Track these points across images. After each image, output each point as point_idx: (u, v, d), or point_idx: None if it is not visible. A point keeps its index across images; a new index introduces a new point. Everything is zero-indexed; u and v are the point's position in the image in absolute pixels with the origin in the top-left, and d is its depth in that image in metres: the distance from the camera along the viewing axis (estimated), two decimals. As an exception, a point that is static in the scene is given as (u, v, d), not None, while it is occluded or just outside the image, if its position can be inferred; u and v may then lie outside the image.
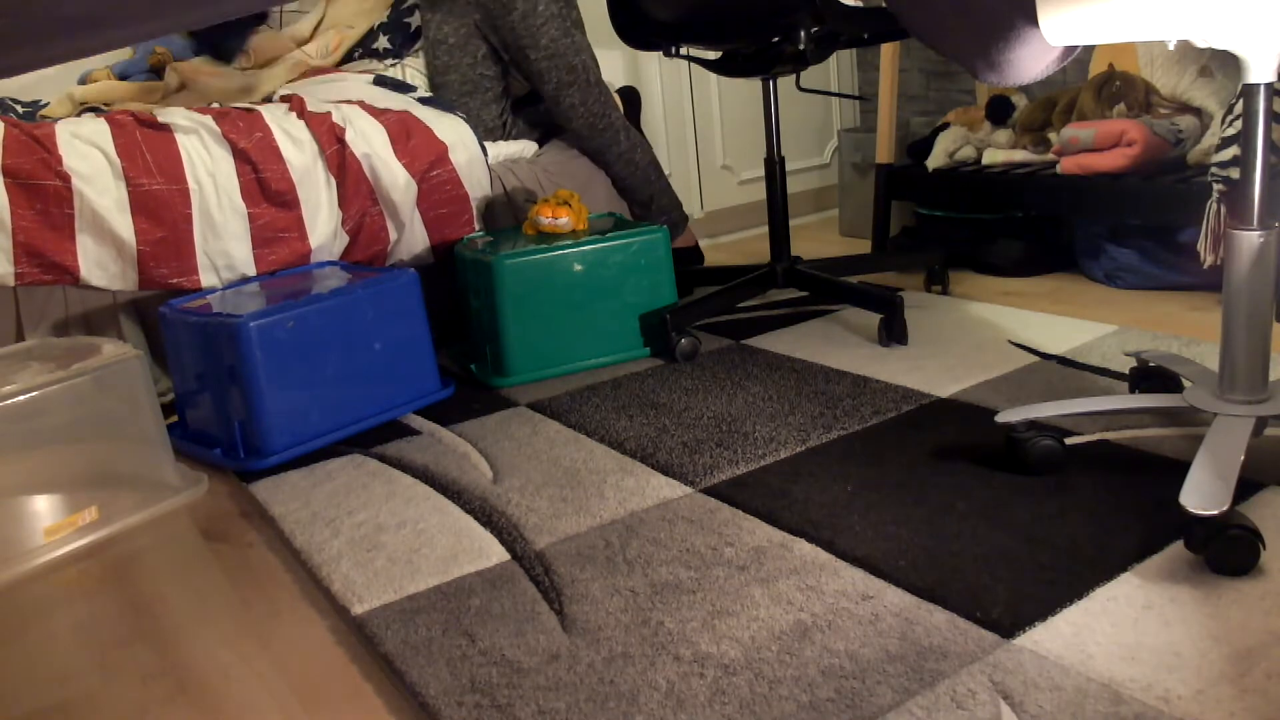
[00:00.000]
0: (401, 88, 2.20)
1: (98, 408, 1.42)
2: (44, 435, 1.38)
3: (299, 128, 1.93)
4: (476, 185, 2.11)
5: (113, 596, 1.27)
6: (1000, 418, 1.33)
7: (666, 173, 2.67)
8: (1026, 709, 0.87)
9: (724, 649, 1.00)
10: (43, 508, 1.38)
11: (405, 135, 2.01)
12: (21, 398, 1.35)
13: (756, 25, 1.82)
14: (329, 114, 1.97)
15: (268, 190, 1.87)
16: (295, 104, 1.99)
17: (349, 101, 2.09)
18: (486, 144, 2.20)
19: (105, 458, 1.45)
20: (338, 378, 1.66)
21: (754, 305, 2.25)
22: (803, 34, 1.78)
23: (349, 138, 1.94)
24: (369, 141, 1.97)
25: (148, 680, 1.08)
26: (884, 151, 2.54)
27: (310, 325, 1.62)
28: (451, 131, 2.09)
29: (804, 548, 1.18)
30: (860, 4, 1.79)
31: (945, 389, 1.63)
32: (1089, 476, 1.28)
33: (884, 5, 1.73)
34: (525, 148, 2.32)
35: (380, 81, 2.22)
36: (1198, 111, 2.17)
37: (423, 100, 2.16)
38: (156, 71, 2.41)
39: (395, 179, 1.98)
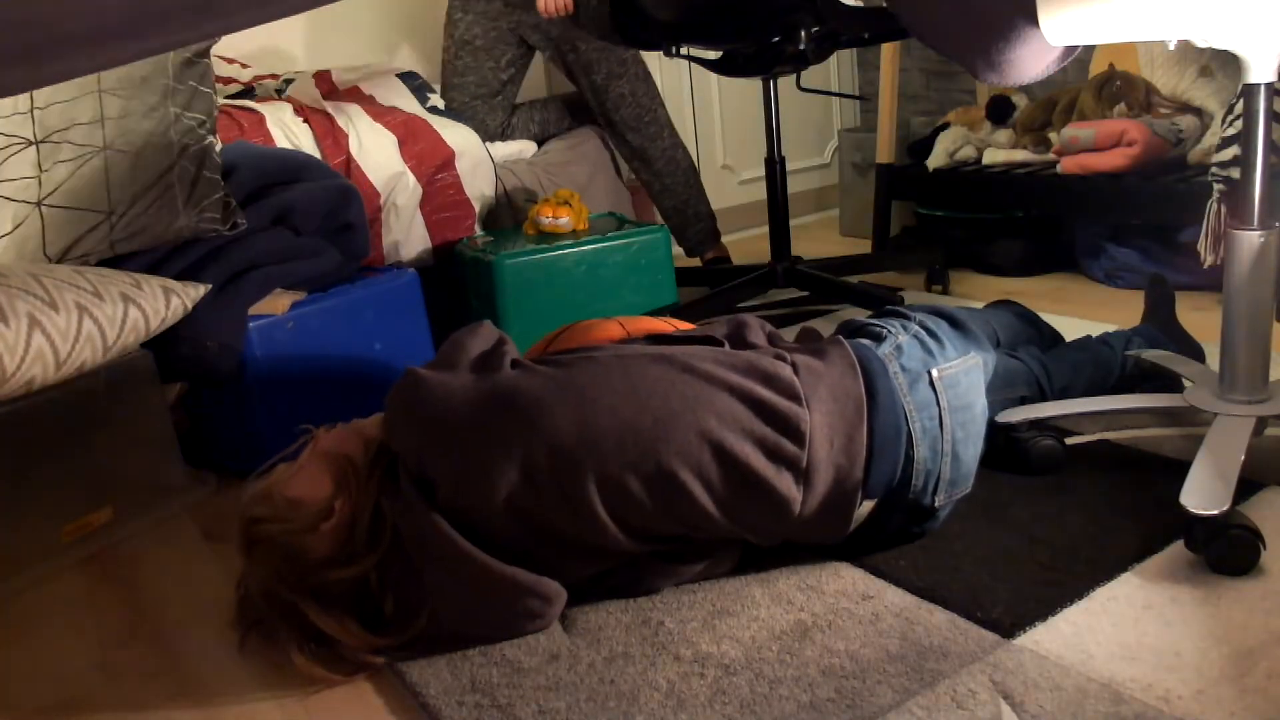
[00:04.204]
0: (421, 90, 2.19)
1: (107, 409, 1.42)
2: (53, 436, 1.37)
3: (303, 132, 1.92)
4: (480, 190, 2.11)
5: (115, 596, 1.27)
6: (1000, 418, 1.33)
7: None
8: (1027, 709, 0.87)
9: (724, 649, 1.00)
10: (54, 509, 1.37)
11: (412, 138, 2.01)
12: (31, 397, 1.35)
13: (757, 25, 1.82)
14: (333, 119, 1.96)
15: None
16: (297, 107, 1.99)
17: (353, 99, 2.09)
18: (487, 146, 2.19)
19: (114, 459, 1.44)
20: (338, 378, 1.66)
21: (754, 305, 2.25)
22: (803, 34, 1.78)
23: (354, 149, 1.94)
24: (376, 152, 1.96)
25: (148, 680, 1.08)
26: (884, 151, 2.54)
27: (310, 326, 1.62)
28: (459, 137, 2.08)
29: (804, 548, 1.18)
30: (860, 4, 1.79)
31: (945, 389, 1.62)
32: (1089, 476, 1.28)
33: (884, 5, 1.73)
34: (525, 148, 2.31)
35: (408, 78, 2.22)
36: (1198, 111, 2.17)
37: (433, 110, 2.16)
38: None
39: (402, 186, 1.98)
